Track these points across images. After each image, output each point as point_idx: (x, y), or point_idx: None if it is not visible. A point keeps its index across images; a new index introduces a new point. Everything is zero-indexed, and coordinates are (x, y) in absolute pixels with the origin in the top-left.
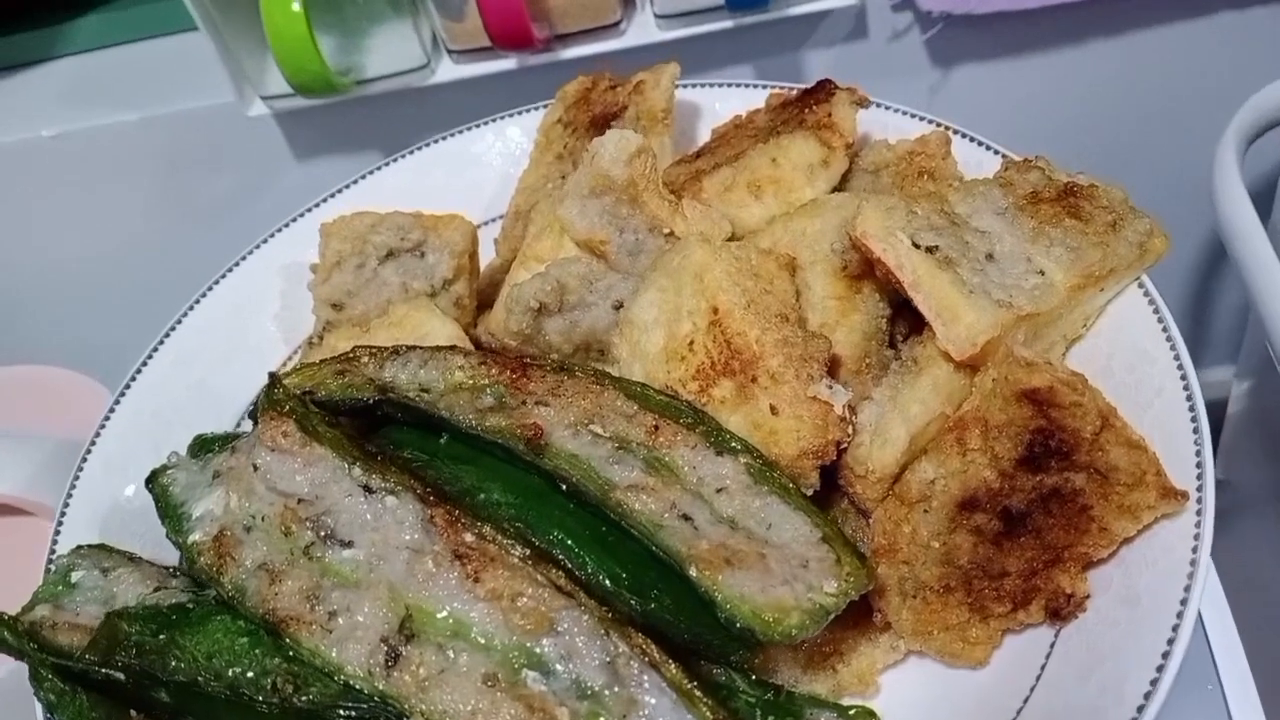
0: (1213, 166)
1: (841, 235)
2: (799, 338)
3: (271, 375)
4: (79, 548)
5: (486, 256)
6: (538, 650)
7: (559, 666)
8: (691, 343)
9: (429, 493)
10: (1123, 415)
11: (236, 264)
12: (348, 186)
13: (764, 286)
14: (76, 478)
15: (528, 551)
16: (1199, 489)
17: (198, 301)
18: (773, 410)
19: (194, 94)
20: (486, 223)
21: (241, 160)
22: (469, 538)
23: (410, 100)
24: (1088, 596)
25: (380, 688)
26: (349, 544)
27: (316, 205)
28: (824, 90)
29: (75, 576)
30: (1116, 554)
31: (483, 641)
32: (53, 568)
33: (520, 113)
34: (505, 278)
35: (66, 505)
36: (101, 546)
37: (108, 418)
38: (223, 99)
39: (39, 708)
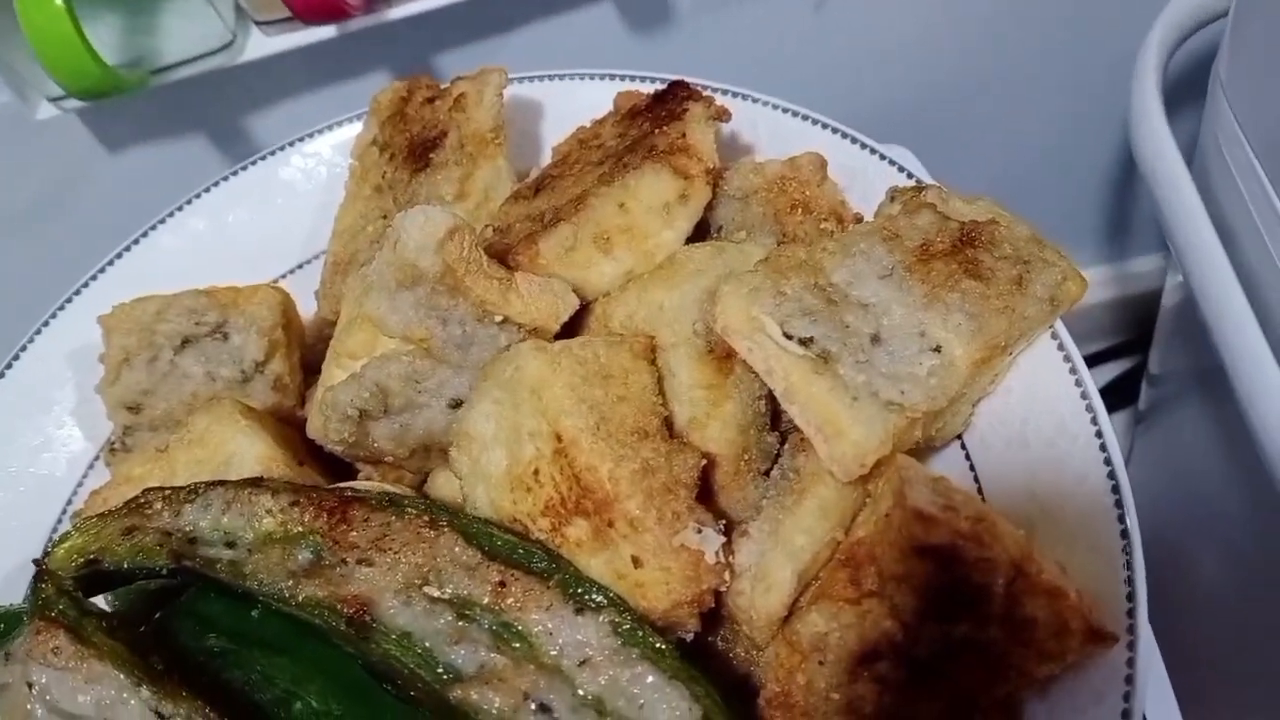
0: (1130, 91)
1: (703, 311)
2: (662, 458)
3: (38, 565)
4: None
5: (309, 304)
6: None
7: None
8: (536, 471)
9: None
10: (1045, 500)
11: (15, 358)
12: (136, 242)
13: (616, 392)
14: None
15: None
16: (1130, 615)
17: None
18: (636, 562)
19: None
20: (306, 262)
21: (44, 164)
22: None
23: (224, 81)
24: None
25: None
26: None
27: (96, 276)
28: (676, 100)
29: None
30: (1043, 690)
31: None
32: None
33: (329, 128)
34: (333, 332)
35: None
36: None
37: None
38: (2, 99)
39: None
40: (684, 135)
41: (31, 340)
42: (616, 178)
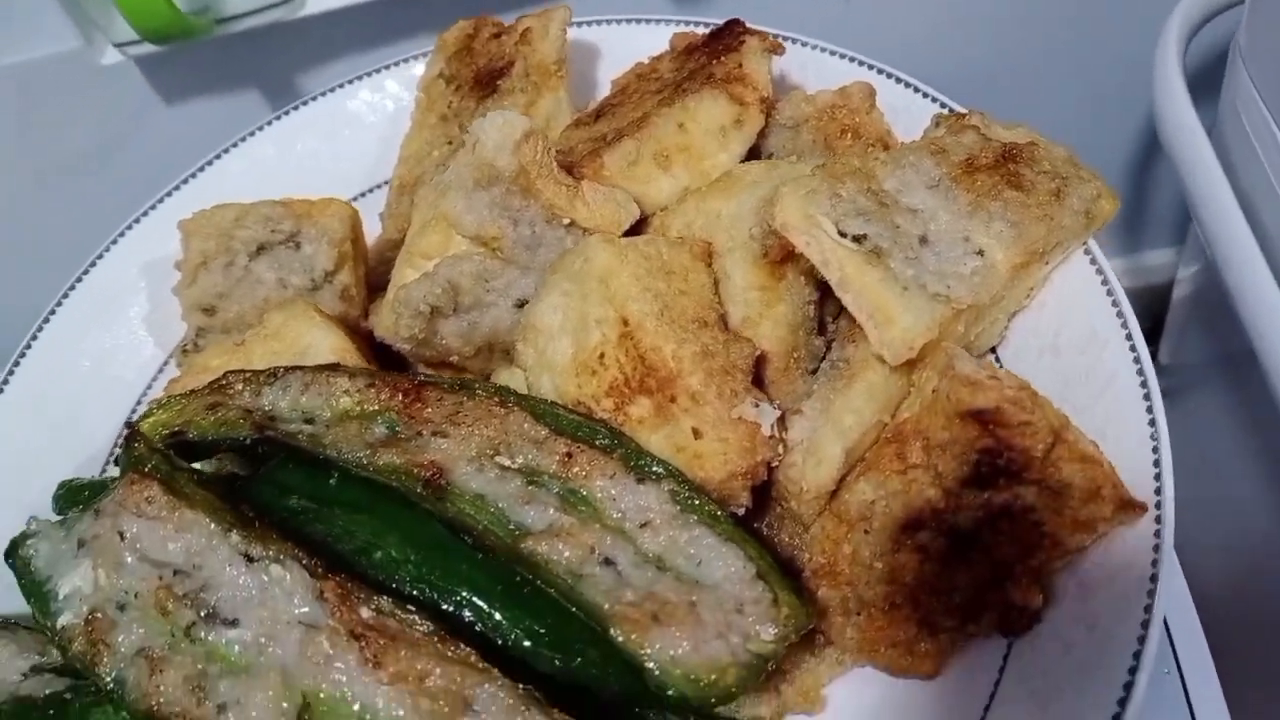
0: (1153, 67)
1: (759, 218)
2: (720, 345)
3: (130, 427)
4: None
5: (374, 229)
6: None
7: None
8: (602, 355)
9: (316, 563)
10: (1076, 401)
11: (91, 266)
12: (209, 164)
13: (678, 286)
14: None
15: (432, 625)
16: (1158, 493)
17: (54, 311)
18: (695, 433)
19: (39, 41)
20: (370, 190)
21: (103, 110)
22: (365, 613)
23: (284, 34)
24: (1041, 608)
25: None
26: (234, 623)
27: (174, 190)
28: (733, 35)
29: None
30: (1071, 566)
31: None
32: None
33: (397, 64)
34: (396, 255)
35: None
36: None
37: None
38: (70, 44)
39: None
40: (740, 65)
41: (106, 251)
42: (676, 100)
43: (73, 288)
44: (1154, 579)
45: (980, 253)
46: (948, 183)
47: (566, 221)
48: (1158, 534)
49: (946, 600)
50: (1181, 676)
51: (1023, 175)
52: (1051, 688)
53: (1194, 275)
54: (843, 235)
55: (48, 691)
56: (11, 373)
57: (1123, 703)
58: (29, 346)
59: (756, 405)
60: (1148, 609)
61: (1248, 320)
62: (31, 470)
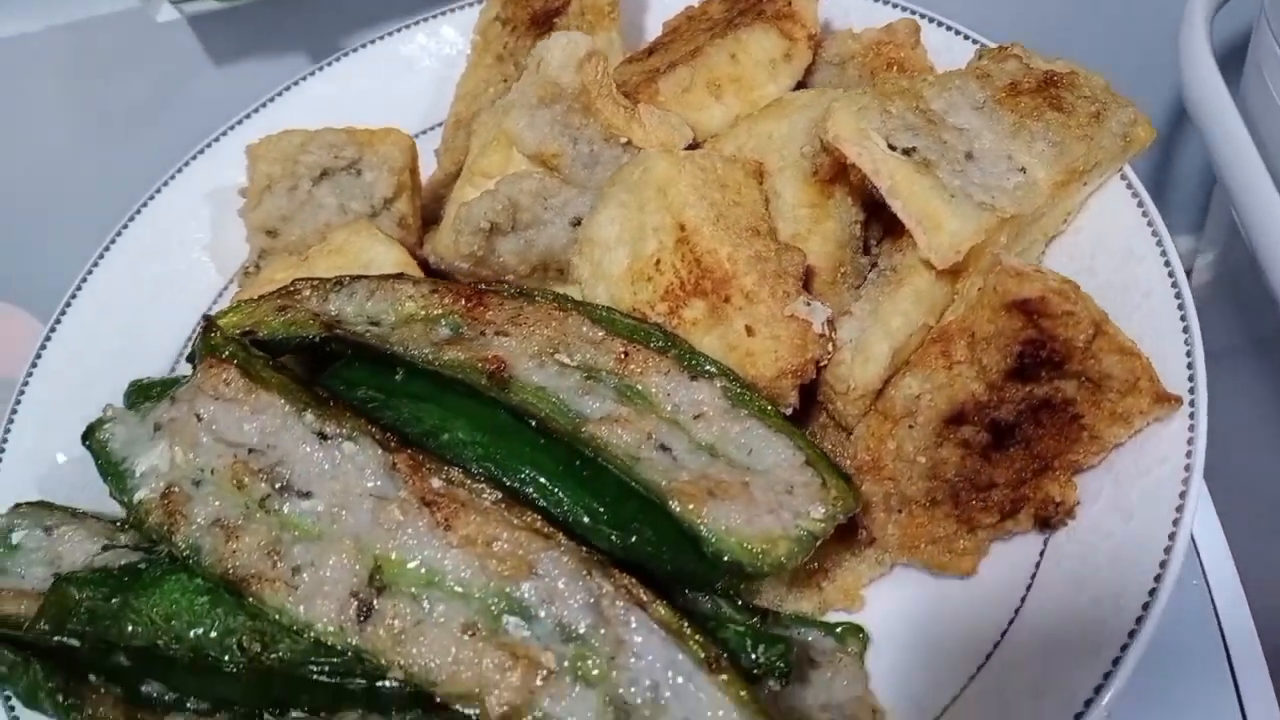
0: (1179, 37)
1: (810, 137)
2: (772, 252)
3: (206, 318)
4: (17, 506)
5: (427, 169)
6: (518, 595)
7: (541, 611)
8: (658, 262)
9: (389, 438)
10: (1112, 314)
11: (156, 192)
12: (269, 101)
13: (732, 198)
14: (7, 431)
15: (499, 495)
16: (1191, 392)
17: (119, 235)
18: (748, 331)
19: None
20: (424, 131)
21: (155, 68)
22: (436, 483)
23: None
24: (1077, 504)
25: (354, 643)
26: (308, 495)
27: (237, 124)
28: None
29: (16, 538)
30: (1107, 460)
31: (459, 590)
32: None
33: (454, 10)
34: (449, 192)
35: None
36: (41, 503)
37: (34, 367)
38: (128, 3)
39: None
40: (789, 3)
41: (170, 181)
42: (729, 33)
43: (136, 214)
44: (1188, 469)
45: (1023, 170)
46: (992, 105)
47: (624, 141)
48: (1191, 429)
49: (986, 496)
50: (1208, 583)
51: (1063, 99)
52: (1089, 570)
53: (1211, 262)
54: (892, 148)
55: (122, 563)
56: (74, 296)
57: (1158, 579)
58: (93, 269)
59: (808, 304)
60: (1182, 496)
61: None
62: (103, 368)
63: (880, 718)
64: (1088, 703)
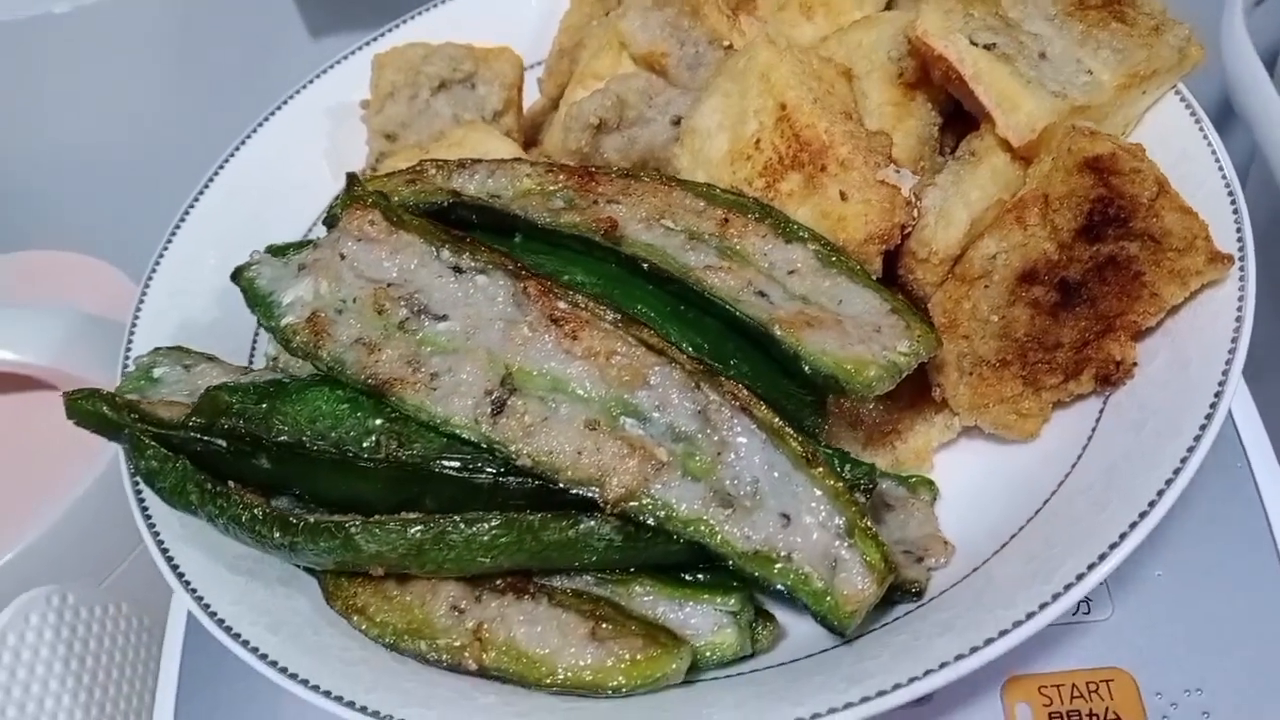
0: (1220, 34)
1: (897, 44)
2: (863, 134)
3: (350, 175)
4: (157, 349)
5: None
6: (634, 401)
7: (655, 414)
8: (758, 141)
9: (520, 267)
10: None
11: (283, 104)
12: (383, 34)
13: (827, 88)
14: (141, 301)
15: (619, 316)
16: (1241, 258)
17: (246, 139)
18: (842, 196)
19: None
20: (527, 68)
21: (253, 34)
22: (562, 305)
23: None
24: (1135, 364)
25: (487, 434)
26: (444, 318)
27: (359, 49)
28: None
29: (157, 372)
30: (1163, 325)
31: (581, 394)
32: (130, 366)
33: None
34: (547, 119)
35: (134, 328)
36: (179, 348)
37: (167, 244)
38: None
39: (131, 495)
40: None
41: (295, 95)
42: None
43: (271, 116)
44: (1239, 319)
45: (1090, 71)
46: (1062, 16)
47: (726, 44)
48: (1241, 289)
49: (1052, 357)
50: (1251, 469)
51: (1126, 13)
52: (1148, 414)
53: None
54: (974, 44)
55: (267, 379)
56: (202, 193)
57: (1213, 405)
58: (219, 171)
59: (898, 171)
60: (1234, 341)
61: None
62: (233, 246)
63: (950, 549)
64: (1151, 503)
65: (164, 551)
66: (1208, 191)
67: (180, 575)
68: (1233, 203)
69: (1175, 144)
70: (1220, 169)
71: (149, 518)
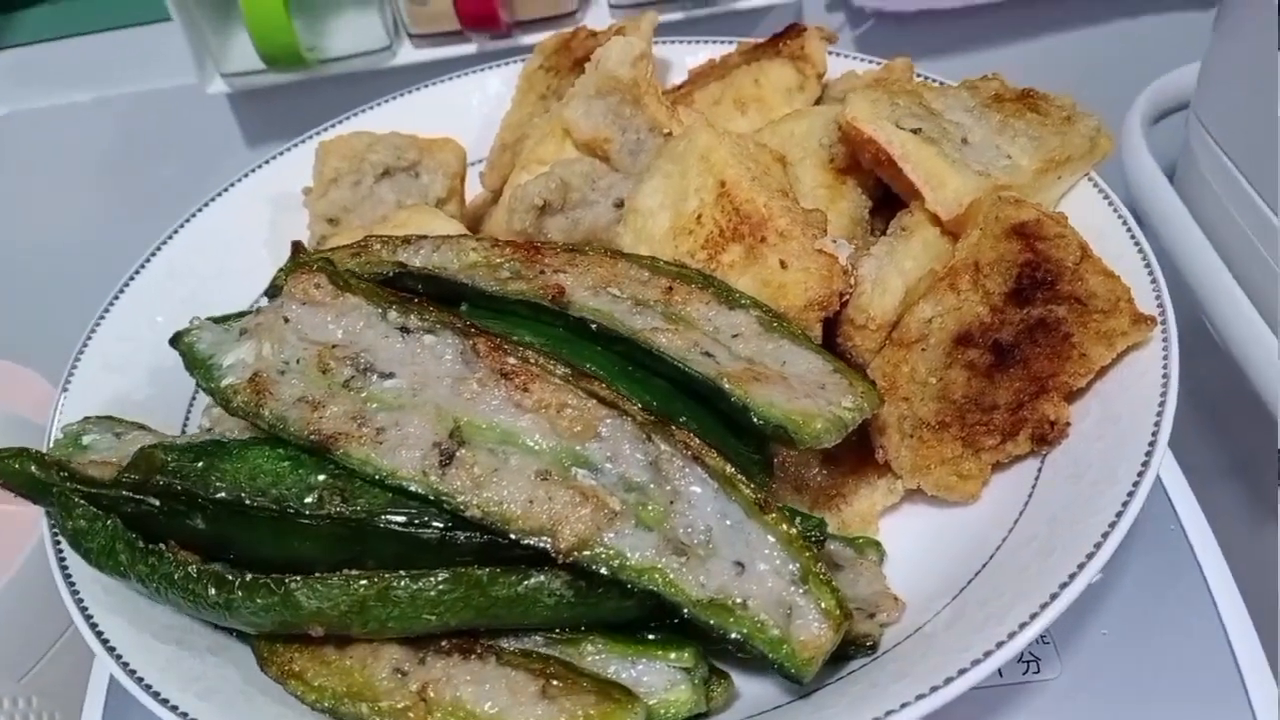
0: (1120, 138)
1: (828, 132)
2: (799, 209)
3: (296, 243)
4: (86, 418)
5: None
6: (585, 453)
7: (607, 465)
8: (699, 217)
9: (469, 326)
10: None
11: (225, 190)
12: (328, 128)
13: (763, 169)
14: (72, 373)
15: (569, 370)
16: (1163, 320)
17: (186, 222)
18: (782, 265)
19: (151, 77)
20: (469, 164)
21: (192, 144)
22: (512, 360)
23: (368, 83)
24: (1069, 423)
25: (436, 485)
26: (390, 375)
27: (302, 141)
28: (793, 30)
29: (87, 440)
30: (1093, 387)
31: (532, 446)
32: (60, 435)
33: (498, 65)
34: (488, 211)
35: (64, 397)
36: (109, 416)
37: (100, 320)
38: (178, 81)
39: (53, 560)
40: (803, 47)
41: (234, 185)
42: (753, 62)
43: (211, 202)
44: (1165, 375)
45: (1009, 156)
46: (980, 108)
47: (666, 132)
48: (1165, 346)
49: (989, 418)
50: (1185, 532)
51: (1039, 105)
52: (1083, 467)
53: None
54: (900, 129)
55: (204, 439)
56: (131, 280)
57: (1149, 453)
58: (151, 258)
59: (835, 241)
60: (1163, 395)
61: (1238, 352)
62: (169, 327)
63: (901, 605)
64: (1097, 545)
65: (88, 619)
66: (1125, 265)
67: (105, 642)
68: (1149, 271)
69: (1091, 223)
70: (1135, 242)
71: (72, 584)
